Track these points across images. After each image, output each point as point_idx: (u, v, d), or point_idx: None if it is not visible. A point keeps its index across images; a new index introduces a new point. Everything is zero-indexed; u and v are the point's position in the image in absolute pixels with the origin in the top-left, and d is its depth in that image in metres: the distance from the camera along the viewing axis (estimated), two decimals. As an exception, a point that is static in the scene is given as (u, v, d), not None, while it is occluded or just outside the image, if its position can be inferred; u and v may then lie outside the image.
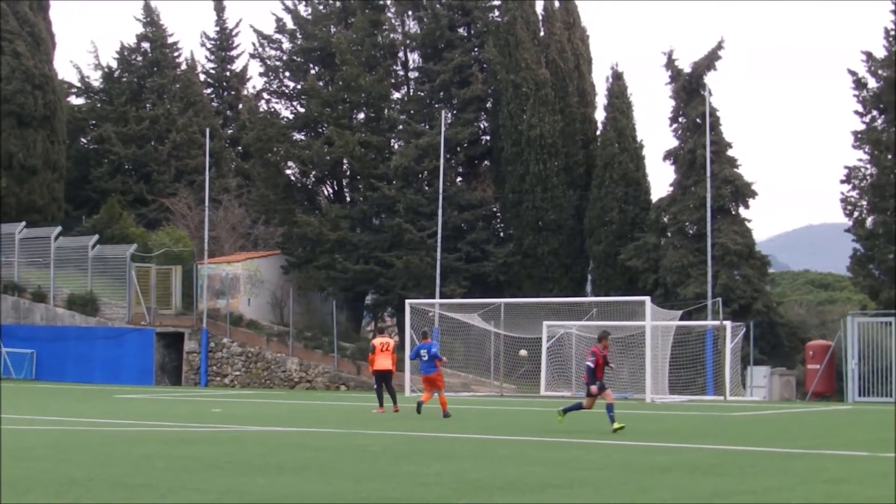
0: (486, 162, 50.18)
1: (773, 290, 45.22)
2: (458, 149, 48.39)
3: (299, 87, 50.57)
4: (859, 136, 39.62)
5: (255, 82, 64.52)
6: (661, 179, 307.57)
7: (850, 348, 35.93)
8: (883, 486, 11.09)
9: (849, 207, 40.00)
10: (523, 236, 45.83)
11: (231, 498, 9.92)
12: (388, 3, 50.59)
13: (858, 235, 39.72)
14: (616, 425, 17.76)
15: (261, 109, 52.08)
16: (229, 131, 60.25)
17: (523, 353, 32.80)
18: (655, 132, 53.25)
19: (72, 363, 43.55)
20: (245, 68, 62.58)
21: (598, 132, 46.93)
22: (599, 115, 47.63)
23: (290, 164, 50.12)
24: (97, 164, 56.55)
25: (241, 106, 59.13)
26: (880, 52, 39.86)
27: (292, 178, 50.81)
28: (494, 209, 48.38)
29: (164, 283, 44.73)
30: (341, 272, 45.69)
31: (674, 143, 43.80)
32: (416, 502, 9.80)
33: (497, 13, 49.28)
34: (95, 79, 59.48)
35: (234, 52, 63.45)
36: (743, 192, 42.37)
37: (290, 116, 51.17)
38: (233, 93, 62.50)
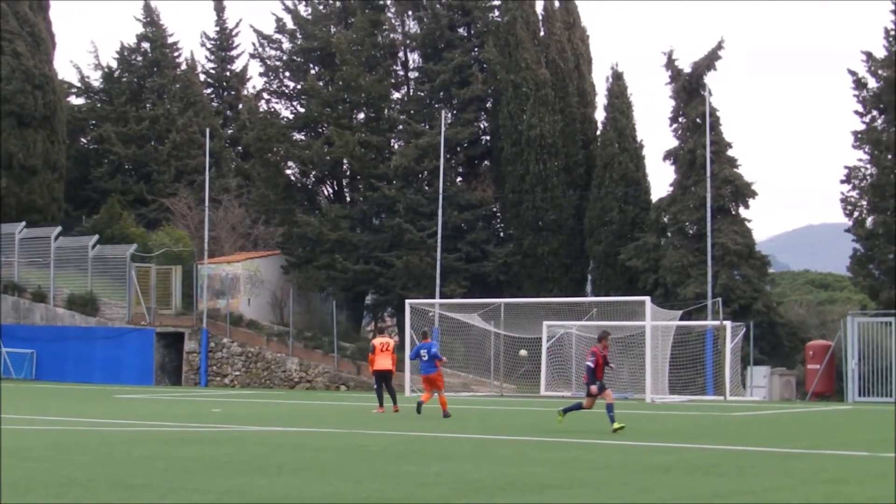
0: (486, 162, 50.19)
1: (773, 290, 45.22)
2: (458, 149, 48.40)
3: (299, 87, 50.57)
4: (859, 136, 39.62)
5: (255, 82, 64.58)
6: (661, 179, 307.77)
7: (850, 348, 35.93)
8: (883, 487, 11.09)
9: (849, 207, 40.01)
10: (523, 236, 45.83)
11: (231, 498, 9.92)
12: (388, 3, 50.60)
13: (858, 235, 39.72)
14: (616, 425, 17.77)
15: (261, 109, 52.08)
16: (229, 131, 60.25)
17: (523, 352, 32.84)
18: (655, 132, 53.30)
19: (72, 363, 43.55)
20: (245, 68, 62.60)
21: (598, 132, 46.93)
22: (599, 115, 47.69)
23: (290, 164, 50.13)
24: (97, 164, 56.56)
25: (241, 106, 59.14)
26: (880, 52, 39.89)
27: (292, 178, 50.82)
28: (494, 209, 48.39)
29: (164, 283, 44.74)
30: (341, 272, 45.69)
31: (674, 143, 43.84)
32: (416, 502, 9.80)
33: (497, 13, 49.28)
34: (95, 79, 59.54)
35: (234, 52, 63.47)
36: (743, 192, 42.38)
37: (290, 116, 51.17)
38: (233, 93, 62.50)
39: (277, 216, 48.80)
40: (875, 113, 39.86)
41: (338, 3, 51.46)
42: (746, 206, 42.89)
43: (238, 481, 11.13)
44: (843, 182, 39.98)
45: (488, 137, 49.43)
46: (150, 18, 59.64)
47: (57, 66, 56.85)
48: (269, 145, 48.90)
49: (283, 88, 51.87)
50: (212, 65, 63.04)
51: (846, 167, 40.02)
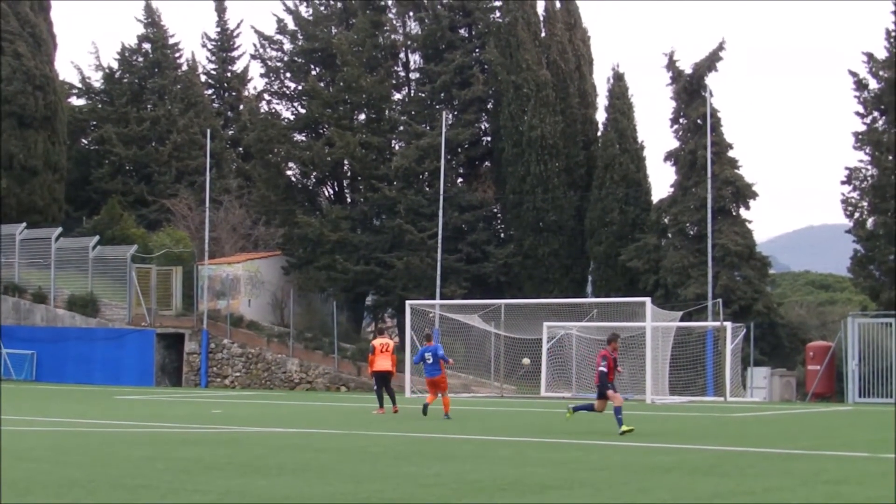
0: (486, 163, 50.20)
1: (773, 290, 45.22)
2: (459, 150, 48.42)
3: (300, 87, 50.58)
4: (860, 137, 39.62)
5: (256, 83, 64.77)
6: (661, 180, 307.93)
7: (851, 349, 35.92)
8: (883, 487, 11.10)
9: (849, 208, 40.00)
10: (524, 237, 45.83)
11: (231, 499, 9.93)
12: (390, 4, 50.62)
13: (859, 236, 39.72)
14: (624, 427, 17.72)
15: (262, 110, 52.09)
16: (230, 132, 60.27)
17: (526, 361, 32.76)
18: (656, 133, 53.41)
19: (72, 364, 43.55)
20: (246, 69, 62.64)
21: (599, 133, 46.95)
22: (600, 115, 47.72)
23: (290, 164, 50.14)
24: (98, 164, 56.57)
25: (241, 107, 59.15)
26: (881, 53, 39.86)
27: (293, 178, 50.83)
28: (495, 210, 48.40)
29: (165, 284, 44.74)
30: (342, 273, 45.70)
31: (674, 143, 43.83)
32: (416, 503, 9.80)
33: (498, 14, 49.31)
34: (96, 79, 59.56)
35: (235, 53, 63.50)
36: (743, 193, 42.38)
37: (291, 117, 51.18)
38: (234, 94, 62.52)
39: (278, 217, 48.81)
40: (876, 114, 39.85)
41: (339, 4, 51.47)
42: (747, 207, 42.92)
43: (238, 482, 11.14)
44: (843, 183, 39.99)
45: (489, 138, 49.45)
46: (152, 19, 59.67)
47: (58, 67, 57.01)
48: (270, 146, 48.91)
49: (284, 89, 51.89)
50: (213, 66, 63.07)
51: (847, 168, 40.04)
